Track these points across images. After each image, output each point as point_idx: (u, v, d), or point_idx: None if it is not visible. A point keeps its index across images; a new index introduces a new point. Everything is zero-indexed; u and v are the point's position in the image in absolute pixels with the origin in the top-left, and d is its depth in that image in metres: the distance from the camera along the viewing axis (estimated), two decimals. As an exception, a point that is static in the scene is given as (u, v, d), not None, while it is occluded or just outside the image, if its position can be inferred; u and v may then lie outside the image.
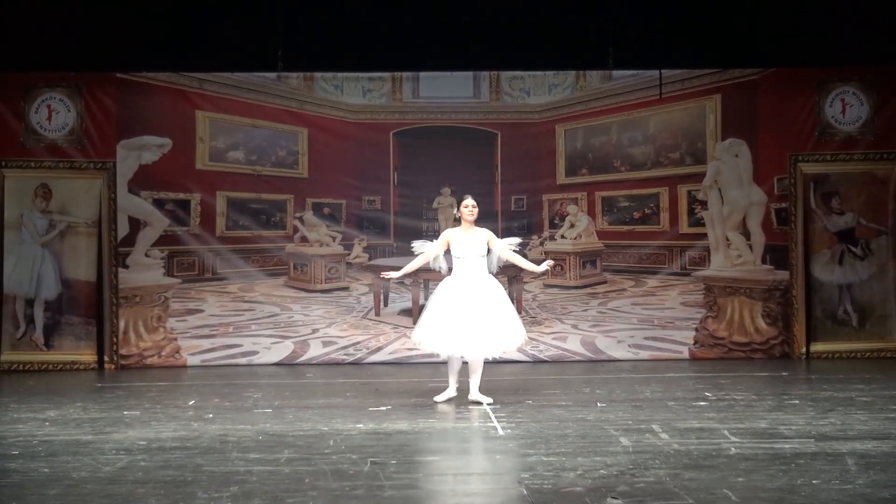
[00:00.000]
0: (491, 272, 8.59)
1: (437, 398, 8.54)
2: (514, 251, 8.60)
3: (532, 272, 8.76)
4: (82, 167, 11.49)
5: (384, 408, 8.35)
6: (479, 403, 8.35)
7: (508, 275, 12.01)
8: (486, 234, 8.53)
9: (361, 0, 11.25)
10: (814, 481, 5.57)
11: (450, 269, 8.54)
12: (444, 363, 11.33)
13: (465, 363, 8.54)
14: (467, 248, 8.40)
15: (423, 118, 12.03)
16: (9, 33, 11.08)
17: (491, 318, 8.31)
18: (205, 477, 5.85)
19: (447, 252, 8.48)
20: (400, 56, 11.55)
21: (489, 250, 8.50)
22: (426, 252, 8.53)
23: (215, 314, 11.79)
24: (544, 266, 8.61)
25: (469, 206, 8.49)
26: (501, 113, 12.05)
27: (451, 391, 8.55)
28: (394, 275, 8.68)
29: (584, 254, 12.04)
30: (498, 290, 8.49)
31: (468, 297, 8.33)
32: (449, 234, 8.52)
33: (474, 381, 8.45)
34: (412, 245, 8.78)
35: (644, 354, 11.68)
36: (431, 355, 11.09)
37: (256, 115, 11.87)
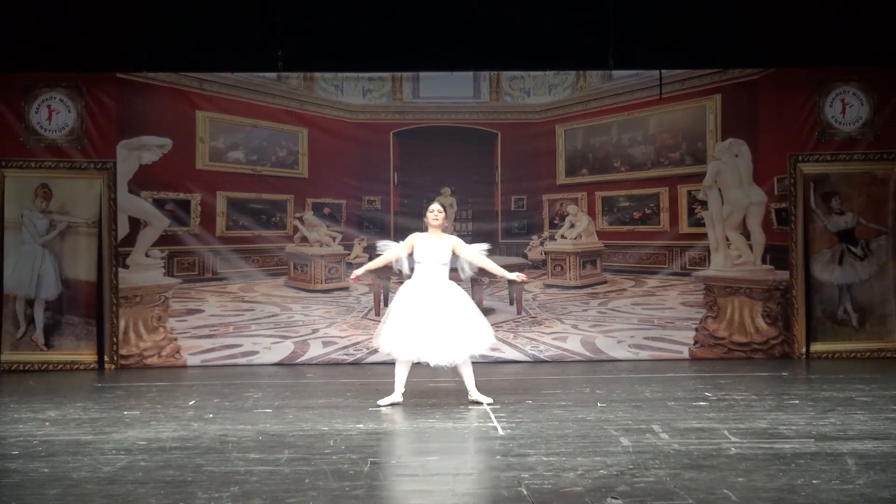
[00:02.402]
0: (464, 278, 8.58)
1: (381, 402, 8.40)
2: (484, 256, 8.47)
3: (503, 277, 8.58)
4: (82, 167, 11.49)
5: (384, 408, 8.35)
6: (479, 403, 8.35)
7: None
8: (451, 241, 8.44)
9: (361, 0, 11.25)
10: (814, 481, 5.57)
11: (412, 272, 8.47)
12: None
13: (447, 366, 8.41)
14: (428, 255, 8.32)
15: (423, 118, 12.03)
16: (9, 33, 11.08)
17: (454, 322, 8.23)
18: (205, 477, 5.85)
19: (411, 255, 8.41)
20: (400, 56, 11.56)
21: (456, 256, 8.40)
22: (390, 253, 8.46)
23: (215, 314, 11.80)
24: (515, 276, 8.49)
25: (434, 211, 8.43)
26: (501, 113, 12.05)
27: (396, 396, 8.43)
28: (359, 272, 8.64)
29: (584, 254, 12.05)
30: (458, 294, 8.40)
31: (428, 301, 8.24)
32: (414, 238, 8.44)
33: (469, 383, 8.44)
34: (378, 244, 8.73)
35: (644, 354, 11.68)
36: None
37: (256, 115, 11.87)
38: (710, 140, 11.89)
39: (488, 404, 8.33)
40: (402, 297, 8.41)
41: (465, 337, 8.26)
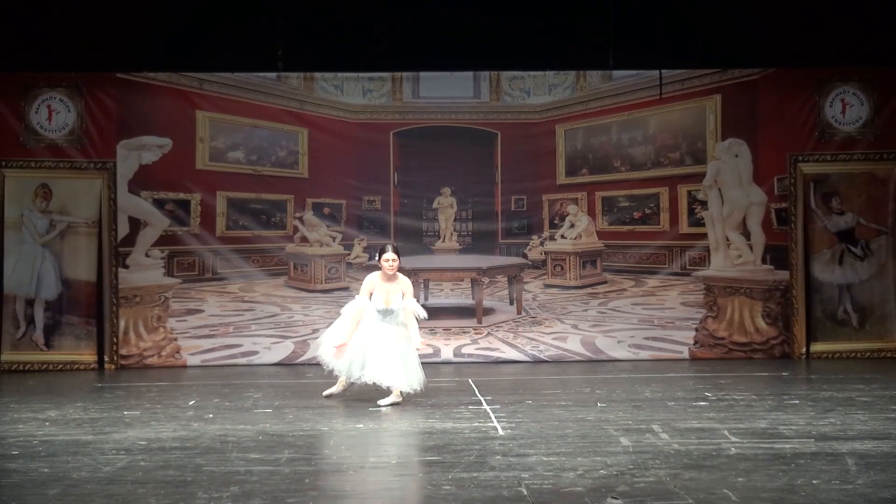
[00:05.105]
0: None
1: (381, 402, 8.50)
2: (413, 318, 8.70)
3: (414, 336, 8.74)
4: (82, 167, 11.49)
5: (384, 408, 8.35)
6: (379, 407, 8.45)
7: (508, 275, 12.05)
8: (401, 287, 8.68)
9: (361, 0, 11.25)
10: (814, 481, 5.57)
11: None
12: (444, 363, 11.36)
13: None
14: (382, 304, 8.63)
15: (423, 118, 12.03)
16: (9, 33, 11.08)
17: (396, 355, 8.51)
18: (205, 477, 5.86)
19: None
20: (400, 56, 11.56)
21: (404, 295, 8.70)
22: (357, 311, 8.70)
23: (215, 314, 11.79)
24: (418, 344, 8.70)
25: (389, 261, 8.64)
26: (501, 113, 12.05)
27: (396, 396, 8.54)
28: (344, 340, 8.70)
29: (584, 254, 12.04)
30: (405, 337, 8.64)
31: (377, 331, 8.59)
32: (372, 283, 8.70)
33: (391, 394, 8.58)
34: (340, 311, 9.00)
35: (644, 354, 11.67)
36: (431, 355, 11.16)
37: (256, 115, 11.87)
38: (710, 140, 11.89)
39: (388, 404, 8.41)
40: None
41: (404, 370, 8.52)
